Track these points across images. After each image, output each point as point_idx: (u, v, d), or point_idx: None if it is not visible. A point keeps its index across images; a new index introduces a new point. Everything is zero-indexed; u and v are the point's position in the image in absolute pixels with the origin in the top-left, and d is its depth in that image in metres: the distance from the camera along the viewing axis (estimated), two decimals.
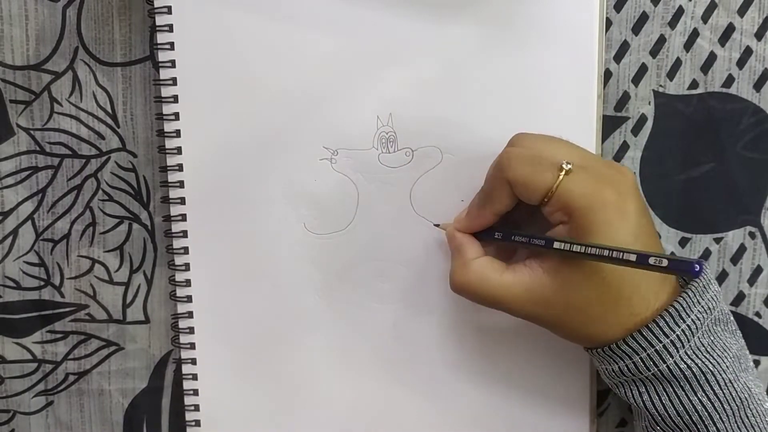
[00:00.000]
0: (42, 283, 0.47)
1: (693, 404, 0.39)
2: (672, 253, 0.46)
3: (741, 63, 0.45)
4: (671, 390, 0.39)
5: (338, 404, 0.47)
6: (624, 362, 0.39)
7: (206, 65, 0.44)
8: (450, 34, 0.43)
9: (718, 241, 0.46)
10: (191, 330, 0.46)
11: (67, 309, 0.47)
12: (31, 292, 0.47)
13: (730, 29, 0.45)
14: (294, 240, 0.45)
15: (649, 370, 0.39)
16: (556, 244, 0.37)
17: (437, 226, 0.44)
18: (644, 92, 0.45)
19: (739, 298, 0.47)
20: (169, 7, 0.44)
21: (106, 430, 0.49)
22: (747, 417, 0.39)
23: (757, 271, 0.47)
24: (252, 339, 0.46)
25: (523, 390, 0.46)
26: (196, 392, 0.47)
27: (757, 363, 0.47)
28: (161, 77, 0.44)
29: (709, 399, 0.38)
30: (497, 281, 0.40)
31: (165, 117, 0.45)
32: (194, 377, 0.47)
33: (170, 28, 0.44)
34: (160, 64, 0.44)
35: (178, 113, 0.44)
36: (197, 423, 0.47)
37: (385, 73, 0.44)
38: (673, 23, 0.45)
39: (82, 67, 0.45)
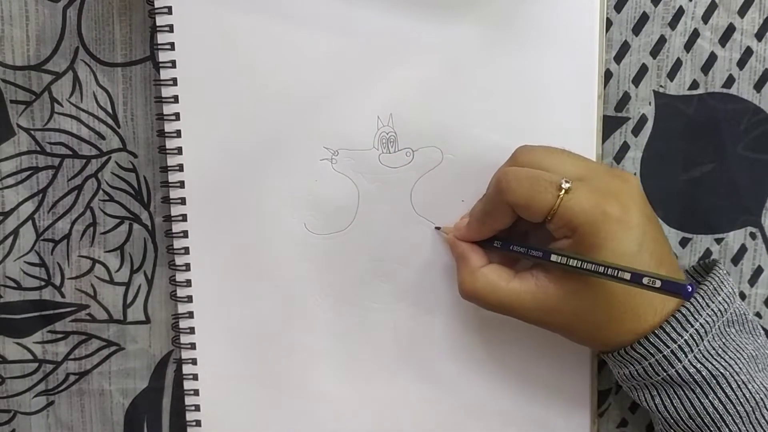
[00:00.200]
0: (42, 283, 0.47)
1: (705, 407, 0.38)
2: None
3: (741, 63, 0.45)
4: (682, 394, 0.39)
5: (339, 404, 0.47)
6: (634, 367, 0.39)
7: (207, 65, 0.44)
8: (451, 35, 0.43)
9: (718, 241, 0.46)
10: (192, 330, 0.46)
11: (68, 309, 0.47)
12: (31, 292, 0.47)
13: (730, 30, 0.45)
14: (294, 240, 0.45)
15: (659, 375, 0.39)
16: (554, 257, 0.38)
17: (438, 229, 0.44)
18: (645, 93, 0.45)
19: (740, 298, 0.47)
20: (170, 8, 0.44)
21: (107, 431, 0.49)
22: (763, 417, 0.39)
23: (758, 271, 0.47)
24: (253, 339, 0.46)
25: (525, 390, 0.46)
26: (196, 392, 0.47)
27: None
28: (162, 77, 0.44)
29: (721, 402, 0.38)
30: (506, 289, 0.40)
31: (165, 117, 0.45)
32: (195, 377, 0.47)
33: (171, 28, 0.44)
34: (161, 65, 0.44)
35: (178, 113, 0.44)
36: (198, 423, 0.47)
37: (385, 73, 0.44)
38: (673, 24, 0.45)
39: (82, 68, 0.45)
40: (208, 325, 0.46)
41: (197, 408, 0.47)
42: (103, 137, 0.46)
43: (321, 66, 0.44)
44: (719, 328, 0.39)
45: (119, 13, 0.45)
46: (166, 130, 0.45)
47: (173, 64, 0.44)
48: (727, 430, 0.38)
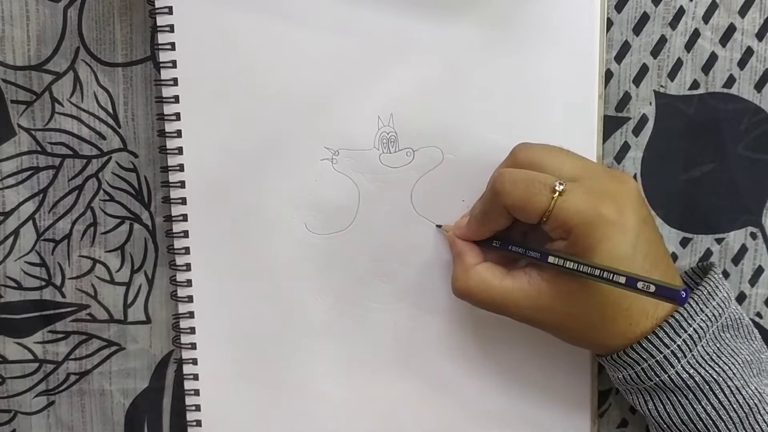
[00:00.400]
0: (43, 283, 0.47)
1: (698, 413, 0.38)
2: (672, 254, 0.46)
3: (742, 63, 0.45)
4: (675, 399, 0.39)
5: (339, 404, 0.47)
6: (627, 371, 0.39)
7: (207, 65, 0.44)
8: (451, 34, 0.43)
9: (719, 241, 0.46)
10: (192, 330, 0.46)
11: (68, 309, 0.47)
12: (32, 292, 0.47)
13: (731, 30, 0.45)
14: (295, 240, 0.45)
15: (652, 380, 0.39)
16: (551, 259, 0.38)
17: (439, 227, 0.45)
18: (645, 93, 0.45)
19: (740, 298, 0.47)
20: (170, 8, 0.44)
21: (107, 431, 0.49)
22: (757, 423, 0.38)
23: (759, 271, 0.47)
24: (253, 339, 0.46)
25: (525, 390, 0.46)
26: (197, 392, 0.47)
27: None
28: (162, 77, 0.44)
29: (714, 408, 0.38)
30: (498, 287, 0.40)
31: (166, 117, 0.45)
32: (195, 377, 0.47)
33: (171, 28, 0.44)
34: (161, 65, 0.44)
35: (179, 113, 0.44)
36: (198, 423, 0.47)
37: (386, 73, 0.44)
38: (674, 24, 0.45)
39: (83, 68, 0.45)
40: (208, 325, 0.46)
41: (198, 408, 0.47)
42: (103, 137, 0.46)
43: (321, 66, 0.44)
44: (713, 333, 0.39)
45: (120, 13, 0.45)
46: (166, 130, 0.45)
47: (174, 64, 0.44)
48: None
